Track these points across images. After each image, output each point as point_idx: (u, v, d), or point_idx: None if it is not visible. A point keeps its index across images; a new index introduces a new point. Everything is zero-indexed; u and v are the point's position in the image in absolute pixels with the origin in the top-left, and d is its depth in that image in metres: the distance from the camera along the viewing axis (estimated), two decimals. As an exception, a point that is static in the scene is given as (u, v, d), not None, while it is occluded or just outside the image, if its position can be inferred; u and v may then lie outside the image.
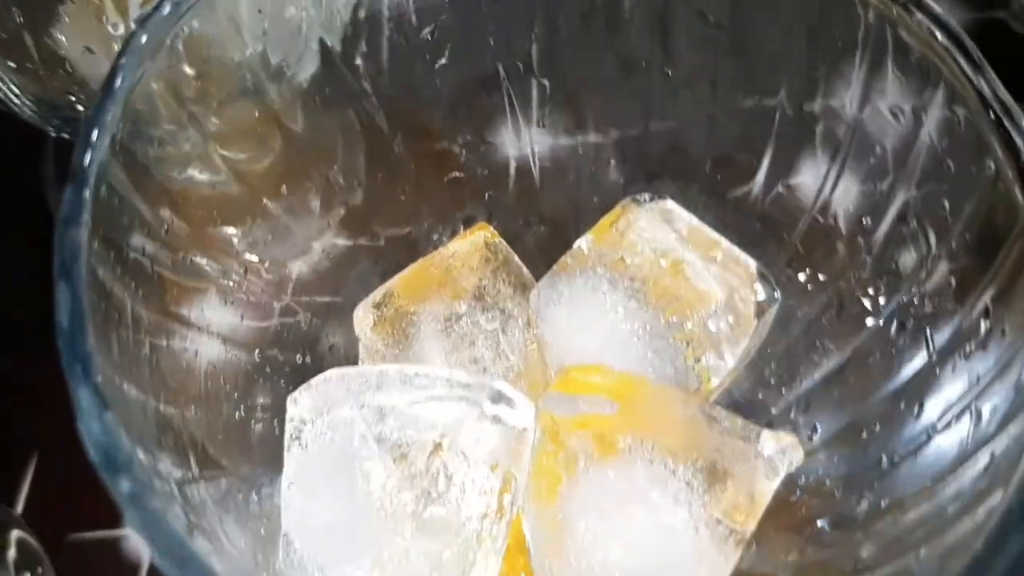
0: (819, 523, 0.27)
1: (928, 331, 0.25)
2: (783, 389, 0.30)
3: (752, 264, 0.29)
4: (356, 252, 0.33)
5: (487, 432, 0.25)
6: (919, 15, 0.23)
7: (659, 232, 0.30)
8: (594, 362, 0.28)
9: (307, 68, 0.29)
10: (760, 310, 0.28)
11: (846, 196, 0.28)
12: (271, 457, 0.26)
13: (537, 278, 0.31)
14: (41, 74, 0.33)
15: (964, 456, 0.22)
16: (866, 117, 0.26)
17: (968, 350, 0.23)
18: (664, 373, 0.28)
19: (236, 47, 0.27)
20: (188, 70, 0.25)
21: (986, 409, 0.22)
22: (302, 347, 0.31)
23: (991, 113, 0.21)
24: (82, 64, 0.33)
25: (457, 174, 0.33)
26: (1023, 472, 0.19)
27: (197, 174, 0.27)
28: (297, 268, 0.31)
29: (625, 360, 0.28)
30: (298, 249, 0.31)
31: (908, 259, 0.26)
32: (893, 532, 0.23)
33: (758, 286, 0.29)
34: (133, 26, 0.24)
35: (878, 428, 0.26)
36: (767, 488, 0.25)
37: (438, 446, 0.25)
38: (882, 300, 0.27)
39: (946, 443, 0.23)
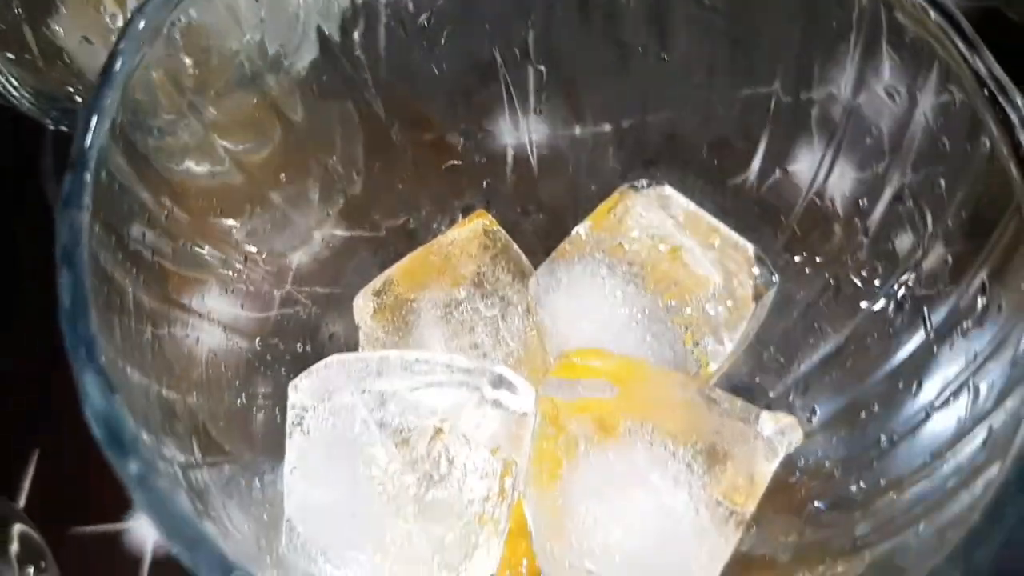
0: (818, 504, 0.27)
1: (925, 310, 0.25)
2: (781, 372, 0.30)
3: (750, 248, 0.29)
4: (355, 241, 0.33)
5: (488, 416, 0.26)
6: (913, -5, 0.23)
7: (657, 218, 0.30)
8: (594, 347, 0.28)
9: (305, 56, 0.29)
10: (758, 293, 0.29)
11: (842, 179, 0.28)
12: (273, 445, 0.27)
13: (535, 265, 0.31)
14: (39, 66, 0.33)
15: (962, 432, 0.22)
16: (861, 100, 0.26)
17: (965, 328, 0.23)
18: (663, 357, 0.28)
19: (234, 36, 0.27)
20: (186, 59, 0.25)
21: (984, 385, 0.22)
22: (302, 336, 0.31)
23: (986, 91, 0.21)
24: (80, 55, 0.33)
25: (455, 162, 0.33)
26: (1020, 444, 0.19)
27: (196, 164, 0.27)
28: (297, 258, 0.31)
29: (624, 344, 0.28)
30: (298, 239, 0.31)
31: (904, 240, 0.26)
32: (892, 510, 0.24)
33: (756, 270, 0.29)
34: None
35: (876, 408, 0.26)
36: (766, 469, 0.25)
37: (439, 431, 0.25)
38: (879, 281, 0.27)
39: (944, 420, 0.23)
